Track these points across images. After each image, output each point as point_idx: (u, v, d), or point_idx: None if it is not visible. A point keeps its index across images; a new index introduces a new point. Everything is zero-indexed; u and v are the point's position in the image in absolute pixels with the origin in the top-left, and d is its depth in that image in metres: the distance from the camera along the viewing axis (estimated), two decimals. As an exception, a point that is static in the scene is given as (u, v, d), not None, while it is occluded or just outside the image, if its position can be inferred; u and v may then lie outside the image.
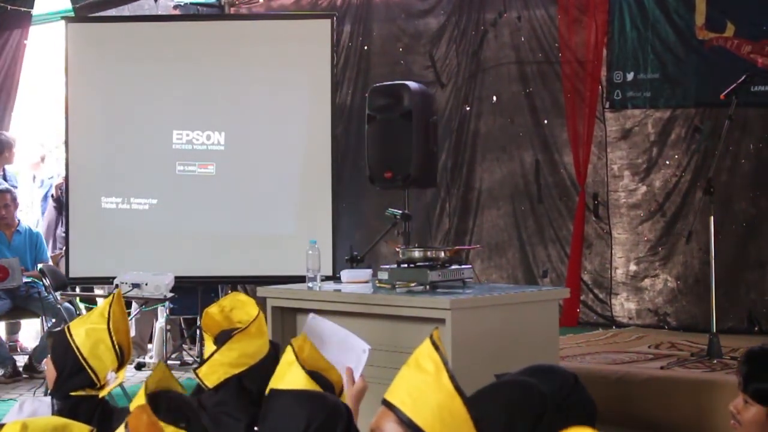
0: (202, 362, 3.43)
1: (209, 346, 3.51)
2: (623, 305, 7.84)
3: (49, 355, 3.49)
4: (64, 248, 8.21)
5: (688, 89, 7.56)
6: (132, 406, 2.71)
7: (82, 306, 8.20)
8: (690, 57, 7.51)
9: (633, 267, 7.84)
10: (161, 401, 2.68)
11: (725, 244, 7.15)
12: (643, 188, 7.81)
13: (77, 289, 8.18)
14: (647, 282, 7.75)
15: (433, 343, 2.21)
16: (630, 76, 7.79)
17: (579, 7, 7.96)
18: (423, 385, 2.16)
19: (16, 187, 8.68)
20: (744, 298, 7.27)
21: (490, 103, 8.53)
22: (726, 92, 5.91)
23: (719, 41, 7.38)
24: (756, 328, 7.18)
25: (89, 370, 3.36)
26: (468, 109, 8.56)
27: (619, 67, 7.82)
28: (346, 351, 3.60)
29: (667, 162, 7.70)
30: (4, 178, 8.50)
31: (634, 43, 7.75)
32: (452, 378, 2.16)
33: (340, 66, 8.99)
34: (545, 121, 8.25)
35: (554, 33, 8.16)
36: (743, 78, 5.96)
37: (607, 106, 7.91)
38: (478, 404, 2.29)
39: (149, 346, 8.10)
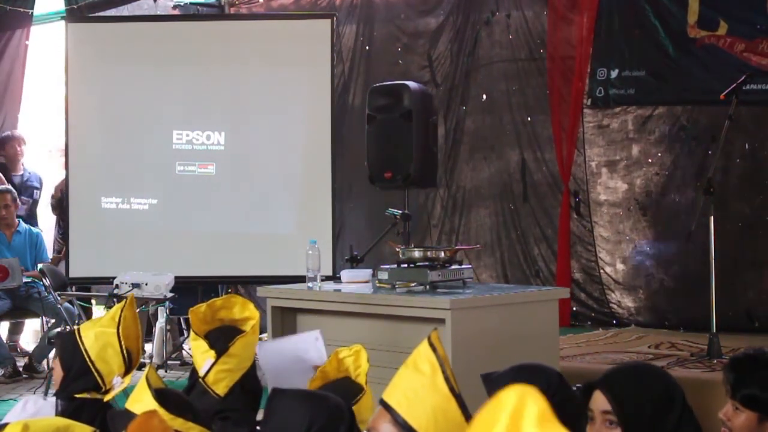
0: (207, 371, 3.42)
1: (197, 346, 3.51)
2: (620, 303, 7.84)
3: (58, 356, 3.49)
4: (62, 251, 8.21)
5: (675, 87, 7.54)
6: (131, 406, 2.71)
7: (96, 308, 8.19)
8: (680, 55, 7.49)
9: (620, 266, 7.83)
10: (169, 396, 2.69)
11: (723, 244, 7.15)
12: (624, 186, 7.81)
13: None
14: (639, 281, 7.75)
15: (431, 345, 2.21)
16: (614, 73, 7.78)
17: (568, 5, 7.95)
18: (419, 386, 2.17)
19: (38, 188, 8.71)
20: (741, 298, 7.28)
21: (480, 102, 8.54)
22: (726, 92, 5.90)
23: (711, 39, 7.36)
24: (756, 324, 7.17)
25: (95, 373, 3.36)
26: (464, 108, 8.56)
27: (604, 64, 7.80)
28: (305, 352, 3.63)
29: (649, 160, 7.69)
30: (22, 177, 8.53)
31: (621, 41, 7.74)
32: (447, 380, 2.16)
33: (345, 66, 9.00)
34: (532, 119, 8.25)
35: (543, 31, 8.16)
36: (744, 77, 5.95)
37: (588, 103, 7.91)
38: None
39: (146, 346, 8.09)
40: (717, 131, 7.04)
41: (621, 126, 7.82)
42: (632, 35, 7.69)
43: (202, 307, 3.56)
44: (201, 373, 3.43)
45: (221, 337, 3.48)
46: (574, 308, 7.91)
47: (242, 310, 3.61)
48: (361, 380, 3.21)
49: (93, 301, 8.18)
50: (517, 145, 8.33)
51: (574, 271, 7.98)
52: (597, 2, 7.78)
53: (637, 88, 7.69)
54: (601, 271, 7.90)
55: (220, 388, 3.41)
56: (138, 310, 7.56)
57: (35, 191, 8.65)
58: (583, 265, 7.99)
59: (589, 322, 7.84)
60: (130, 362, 3.47)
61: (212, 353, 3.43)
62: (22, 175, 8.60)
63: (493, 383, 2.69)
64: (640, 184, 7.75)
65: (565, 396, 2.64)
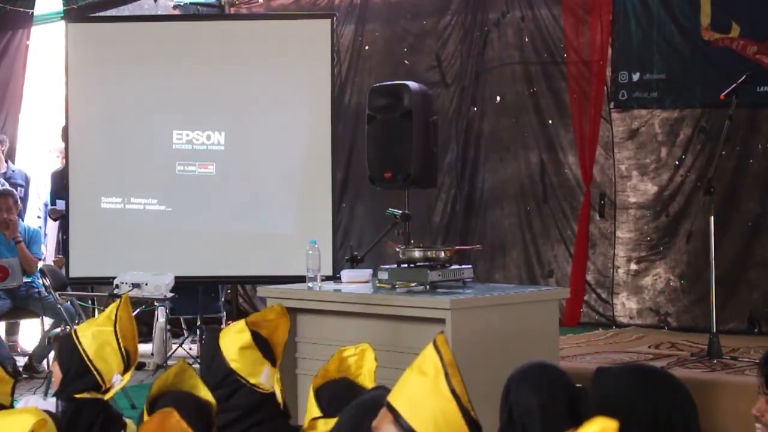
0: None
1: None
2: (624, 305, 7.84)
3: (56, 357, 3.49)
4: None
5: (694, 90, 7.54)
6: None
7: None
8: (696, 57, 7.49)
9: (634, 266, 7.83)
10: (160, 402, 2.67)
11: (732, 244, 7.18)
12: (650, 188, 7.80)
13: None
14: (650, 282, 7.74)
15: (436, 347, 2.23)
16: (636, 77, 7.77)
17: (584, 7, 7.94)
18: (421, 388, 2.19)
19: (23, 185, 8.70)
20: (747, 298, 7.28)
21: (494, 104, 8.52)
22: (726, 92, 5.91)
23: (725, 42, 7.37)
24: (756, 330, 7.17)
25: (94, 372, 3.35)
26: (475, 109, 8.55)
27: (625, 68, 7.80)
28: None
29: (676, 162, 7.68)
30: (5, 175, 8.51)
31: (640, 44, 7.73)
32: (449, 382, 2.17)
33: (343, 66, 9.00)
34: (550, 122, 8.24)
35: (558, 33, 8.14)
36: (743, 78, 5.96)
37: (612, 106, 7.90)
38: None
39: (147, 346, 8.09)
40: (733, 132, 7.08)
41: (645, 129, 7.80)
42: (649, 38, 7.67)
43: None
44: None
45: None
46: (581, 309, 7.90)
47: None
48: (364, 380, 3.18)
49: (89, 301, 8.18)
50: (534, 147, 8.31)
51: (588, 272, 7.96)
52: (611, 5, 7.77)
53: (659, 91, 7.68)
54: (614, 272, 7.88)
55: None
56: (138, 310, 7.61)
57: (19, 188, 8.63)
58: (597, 267, 7.97)
59: (597, 323, 7.81)
60: (129, 360, 3.46)
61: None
62: (5, 173, 8.58)
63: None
64: (659, 186, 7.73)
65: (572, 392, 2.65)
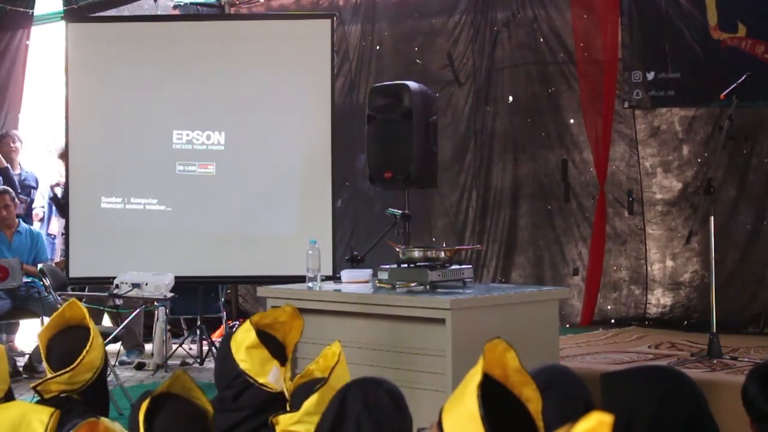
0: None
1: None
2: (659, 301, 7.82)
3: None
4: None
5: (710, 89, 7.53)
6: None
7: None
8: (709, 57, 7.48)
9: (669, 262, 7.82)
10: (160, 411, 2.65)
11: (750, 243, 7.18)
12: (675, 185, 7.79)
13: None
14: (687, 278, 7.73)
15: (483, 353, 2.23)
16: (650, 76, 7.76)
17: (594, 6, 7.94)
18: (459, 390, 2.18)
19: (35, 187, 8.71)
20: (749, 298, 7.28)
21: (506, 103, 8.51)
22: (726, 92, 5.92)
23: (733, 41, 7.38)
24: (756, 330, 7.18)
25: None
26: (488, 109, 8.55)
27: (638, 67, 7.79)
28: None
29: (698, 160, 7.67)
30: (8, 178, 8.51)
31: (652, 43, 7.72)
32: (479, 387, 2.15)
33: (353, 65, 8.99)
34: (565, 121, 8.23)
35: (569, 32, 8.13)
36: (743, 78, 5.97)
37: (625, 105, 7.89)
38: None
39: (147, 346, 8.09)
40: (750, 131, 7.08)
41: (666, 127, 7.80)
42: (661, 37, 7.66)
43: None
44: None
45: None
46: (609, 307, 7.90)
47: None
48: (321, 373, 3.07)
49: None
50: (552, 146, 8.31)
51: (621, 269, 7.96)
52: (618, 5, 7.76)
53: (676, 90, 7.68)
54: (648, 267, 7.87)
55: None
56: (138, 310, 7.59)
57: (32, 191, 8.65)
58: (632, 263, 7.96)
59: (628, 320, 7.81)
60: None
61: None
62: (19, 174, 8.61)
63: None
64: (682, 184, 7.72)
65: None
